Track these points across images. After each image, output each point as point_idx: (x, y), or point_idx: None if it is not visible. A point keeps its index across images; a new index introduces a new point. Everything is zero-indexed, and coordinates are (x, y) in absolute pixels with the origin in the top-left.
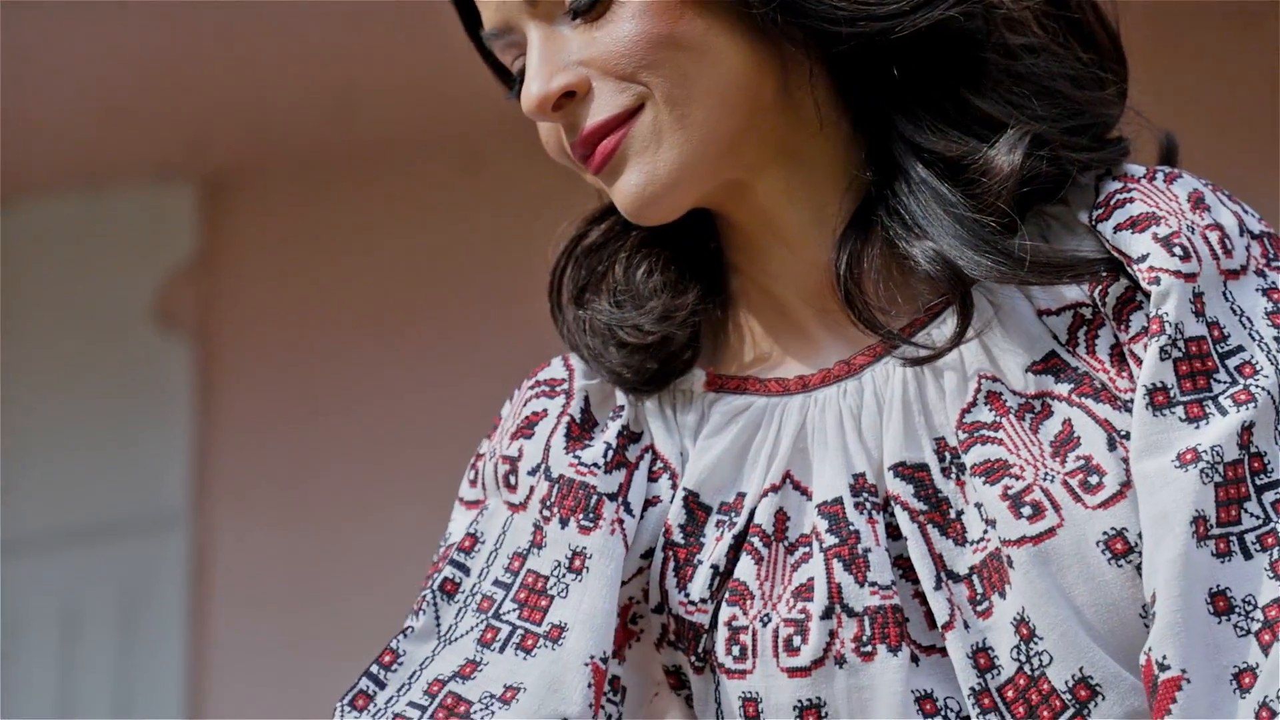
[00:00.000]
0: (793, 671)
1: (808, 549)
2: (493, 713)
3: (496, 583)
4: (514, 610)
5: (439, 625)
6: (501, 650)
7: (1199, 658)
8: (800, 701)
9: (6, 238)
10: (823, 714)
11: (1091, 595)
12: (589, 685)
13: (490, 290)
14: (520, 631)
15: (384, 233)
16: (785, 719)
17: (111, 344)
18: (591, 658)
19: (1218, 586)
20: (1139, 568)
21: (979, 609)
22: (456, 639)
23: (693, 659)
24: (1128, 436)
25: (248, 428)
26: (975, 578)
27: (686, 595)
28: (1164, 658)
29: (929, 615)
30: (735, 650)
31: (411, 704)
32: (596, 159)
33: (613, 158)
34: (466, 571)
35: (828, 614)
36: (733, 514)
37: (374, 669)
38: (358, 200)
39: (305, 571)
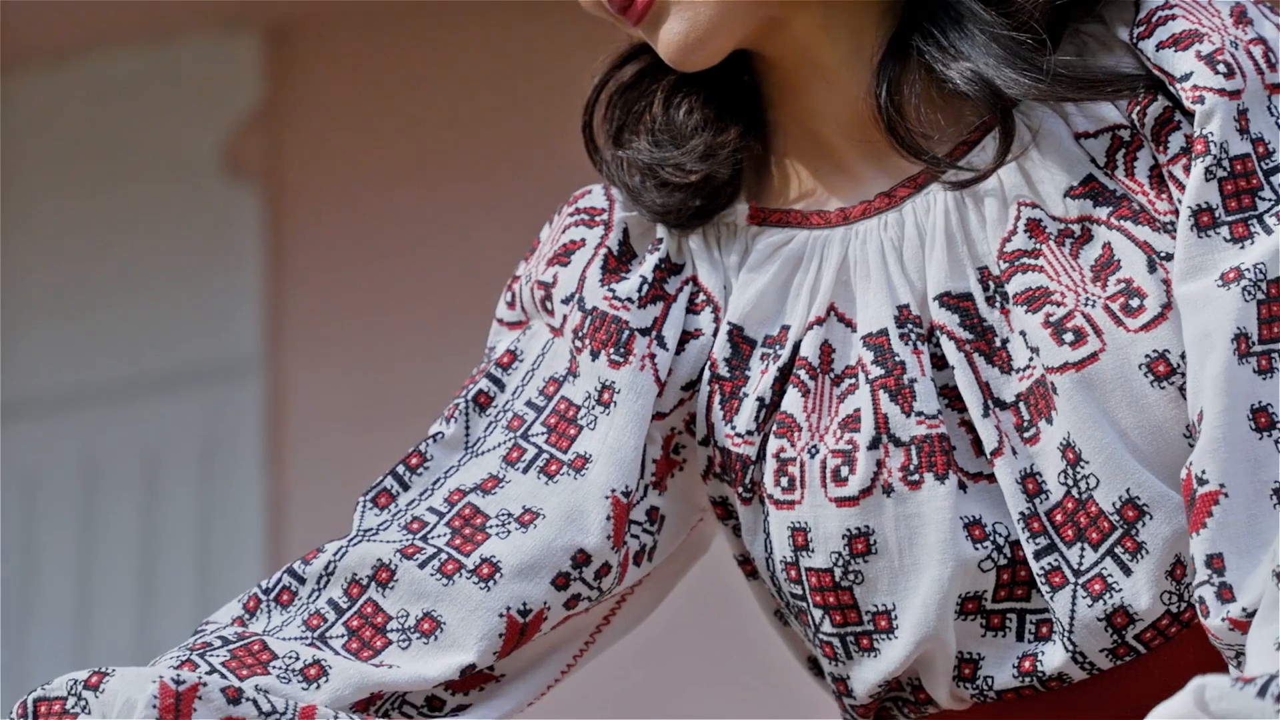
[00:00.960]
0: (841, 501)
1: (854, 380)
2: (509, 531)
3: (529, 403)
4: (542, 434)
5: (468, 435)
6: (525, 471)
7: (1239, 473)
8: (849, 530)
9: (75, 92)
10: (871, 542)
11: (1136, 418)
12: (608, 518)
13: (557, 133)
14: (545, 456)
15: (449, 76)
16: (834, 548)
17: (180, 194)
18: (613, 491)
19: (1259, 403)
20: (1182, 389)
21: (1026, 435)
22: (483, 453)
23: (740, 490)
24: (1168, 258)
25: (318, 272)
26: (1022, 405)
27: (733, 428)
28: (1203, 472)
29: (976, 443)
30: (784, 482)
31: (431, 509)
32: (636, 10)
33: (652, 8)
34: (502, 387)
35: (874, 444)
36: (777, 347)
37: (400, 469)
38: (422, 45)
39: (380, 411)
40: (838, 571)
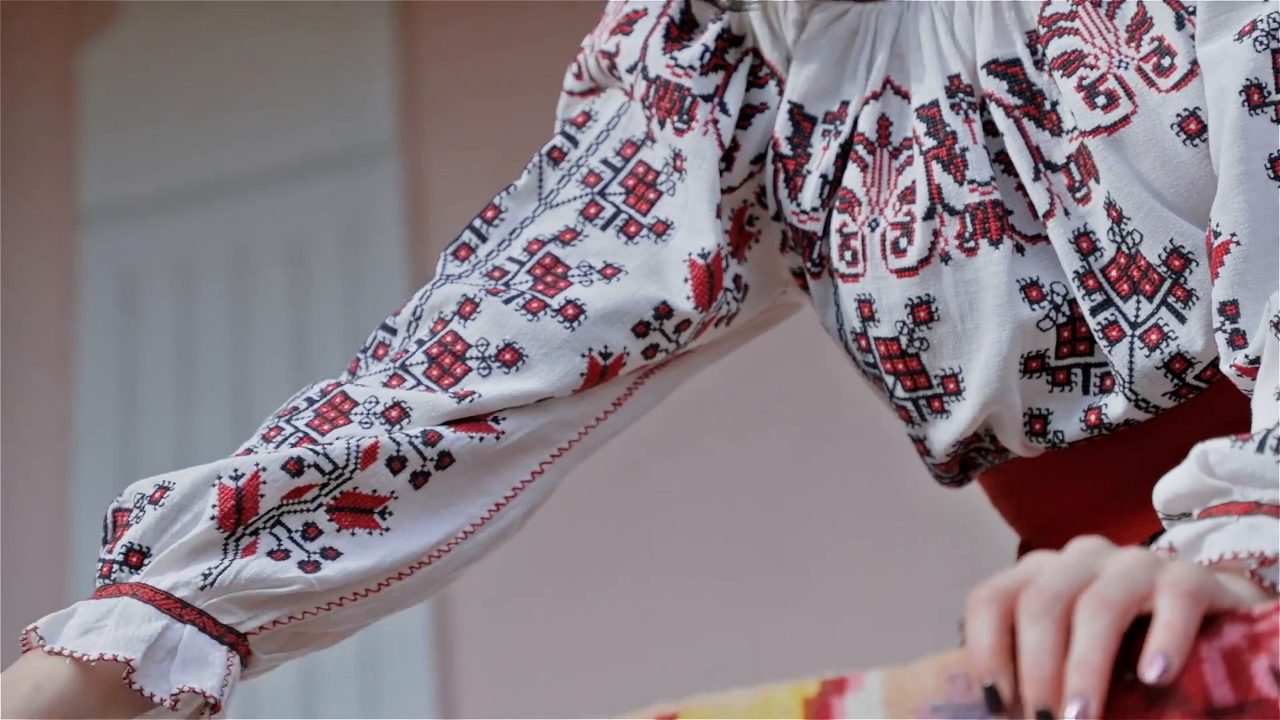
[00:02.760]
0: (901, 272)
1: (910, 153)
2: (591, 281)
3: (605, 162)
4: (620, 194)
5: (541, 187)
6: (604, 229)
7: (1257, 220)
8: (910, 300)
9: None
10: (933, 310)
11: (1169, 177)
12: (685, 279)
13: None
14: (625, 216)
15: None
16: (899, 317)
17: None
18: (690, 254)
19: (1277, 151)
20: None
21: (1078, 195)
22: (557, 204)
23: (809, 265)
24: (1194, 12)
25: (449, 56)
26: (1073, 165)
27: (798, 205)
28: (1217, 225)
29: (1032, 207)
30: (847, 256)
31: (510, 259)
32: None
33: None
34: (575, 144)
35: (930, 214)
36: (837, 123)
37: (476, 223)
38: None
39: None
40: (903, 339)
